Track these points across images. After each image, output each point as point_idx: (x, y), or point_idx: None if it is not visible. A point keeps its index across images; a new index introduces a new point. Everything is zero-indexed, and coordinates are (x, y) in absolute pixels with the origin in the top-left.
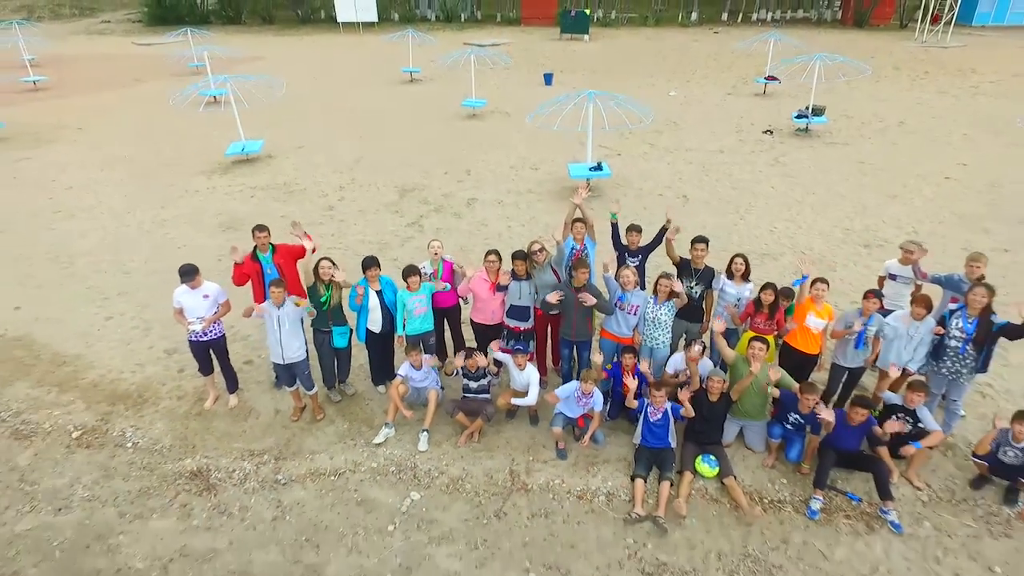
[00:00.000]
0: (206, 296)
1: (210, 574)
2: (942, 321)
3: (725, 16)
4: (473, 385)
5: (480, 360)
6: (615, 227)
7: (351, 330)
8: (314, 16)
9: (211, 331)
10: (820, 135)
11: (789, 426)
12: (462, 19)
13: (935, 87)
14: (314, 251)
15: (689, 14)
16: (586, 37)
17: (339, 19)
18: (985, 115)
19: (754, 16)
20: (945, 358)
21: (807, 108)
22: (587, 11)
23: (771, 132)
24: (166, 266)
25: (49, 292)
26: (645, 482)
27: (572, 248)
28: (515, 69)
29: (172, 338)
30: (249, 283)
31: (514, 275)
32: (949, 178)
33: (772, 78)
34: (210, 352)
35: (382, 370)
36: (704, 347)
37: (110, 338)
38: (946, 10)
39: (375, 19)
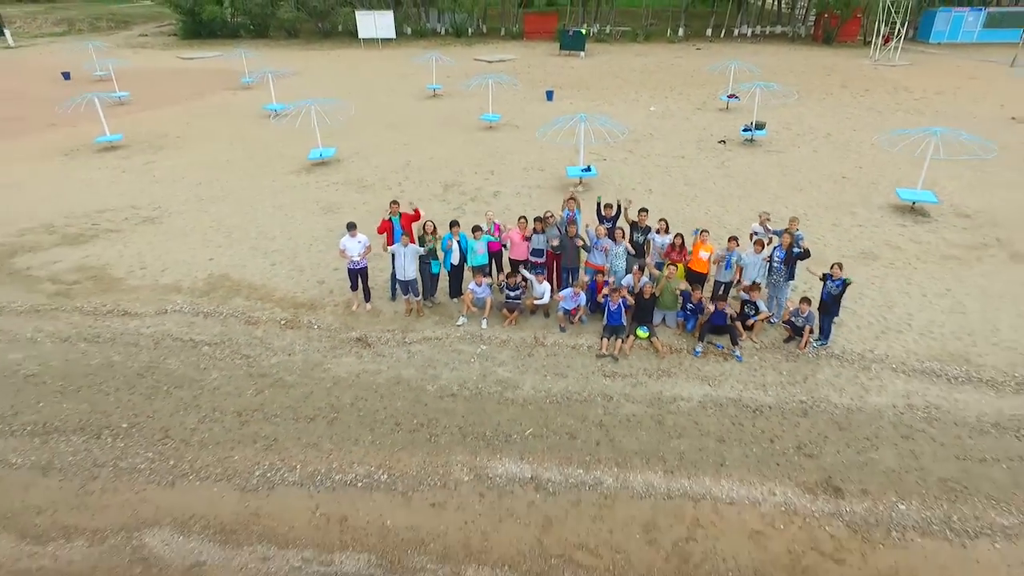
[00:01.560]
0: (360, 241)
1: (379, 379)
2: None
3: (709, 31)
4: (512, 293)
5: (516, 279)
6: (598, 205)
7: (440, 263)
8: (334, 31)
9: (361, 263)
10: (762, 144)
11: (688, 312)
12: (469, 33)
13: (868, 104)
14: (418, 216)
15: (677, 29)
16: (582, 54)
17: (360, 36)
18: (892, 128)
19: (736, 31)
20: (772, 273)
21: (752, 123)
22: (583, 31)
23: (724, 142)
24: (296, 234)
25: (226, 250)
26: (607, 340)
27: (567, 214)
28: (521, 85)
29: (319, 275)
30: (385, 234)
31: (535, 231)
32: (845, 177)
33: (733, 96)
34: (358, 276)
35: (456, 288)
36: (643, 270)
37: (280, 275)
38: (895, 32)
39: (393, 36)
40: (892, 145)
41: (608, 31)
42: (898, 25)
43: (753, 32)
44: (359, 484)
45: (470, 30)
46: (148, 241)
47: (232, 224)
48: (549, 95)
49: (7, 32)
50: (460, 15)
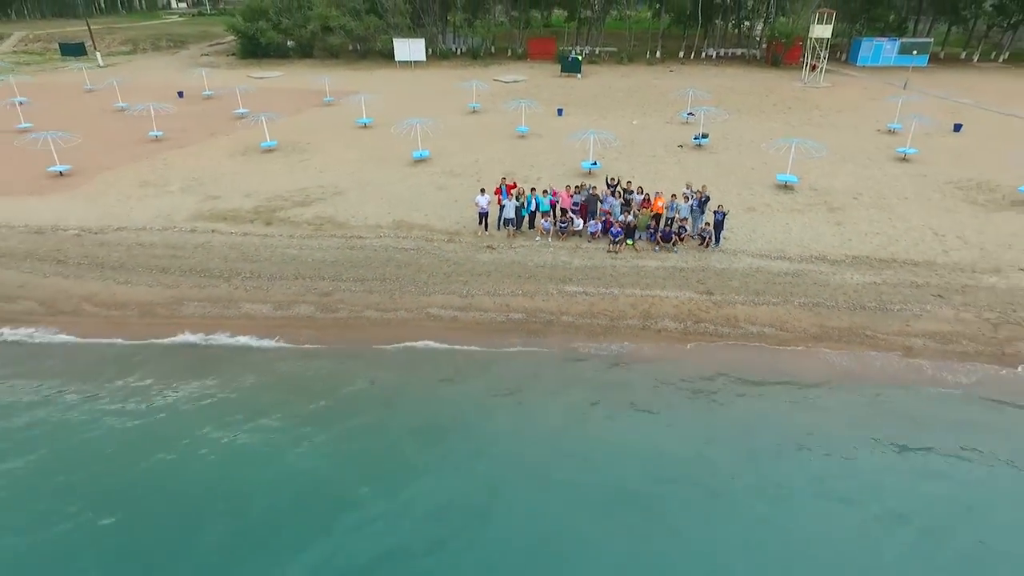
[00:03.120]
0: (483, 195)
1: (503, 261)
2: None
3: (681, 53)
4: (563, 225)
5: (565, 217)
6: (607, 179)
7: (525, 210)
8: (370, 52)
9: (485, 208)
10: (706, 148)
11: (652, 232)
12: (481, 53)
13: (787, 119)
14: (514, 186)
15: (655, 51)
16: (579, 75)
17: (397, 58)
18: (793, 138)
19: (704, 53)
20: (692, 212)
21: (700, 134)
22: (579, 57)
23: (682, 146)
24: (430, 198)
25: (395, 208)
26: (612, 245)
27: (589, 188)
28: (537, 103)
29: (456, 219)
30: (498, 195)
31: (575, 191)
32: (753, 168)
33: (691, 114)
34: (483, 216)
35: (531, 222)
36: (629, 211)
37: (432, 220)
38: (821, 59)
39: (424, 59)
40: (776, 148)
41: (598, 52)
42: (822, 55)
43: (717, 54)
44: (517, 294)
45: (482, 51)
46: (345, 204)
47: (388, 194)
48: (560, 111)
49: (98, 54)
50: (475, 38)
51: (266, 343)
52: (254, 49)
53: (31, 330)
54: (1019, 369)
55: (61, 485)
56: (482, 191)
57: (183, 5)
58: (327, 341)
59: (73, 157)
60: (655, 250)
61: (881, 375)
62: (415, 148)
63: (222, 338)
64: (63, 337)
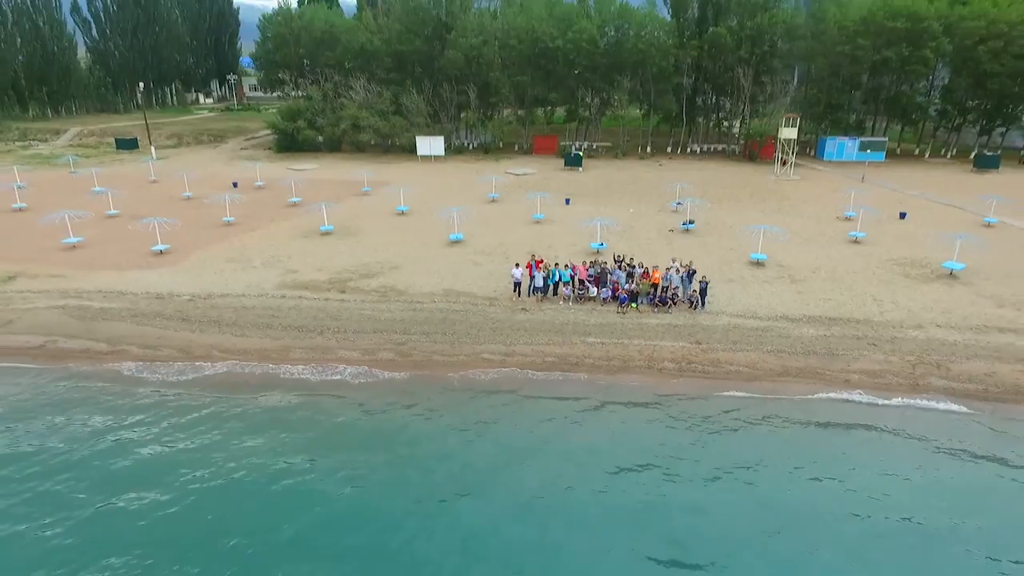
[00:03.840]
0: (517, 268)
1: (534, 320)
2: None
3: (669, 148)
4: (580, 291)
5: (582, 286)
6: (614, 256)
7: (551, 280)
8: (392, 147)
9: (518, 279)
10: (693, 232)
11: (651, 298)
12: (491, 148)
13: (762, 208)
14: (542, 262)
15: (645, 147)
16: (580, 169)
17: (419, 153)
18: (765, 224)
19: (688, 149)
20: (682, 282)
21: (687, 220)
22: (580, 153)
23: (673, 231)
24: (470, 272)
25: (443, 280)
26: (619, 307)
27: (602, 264)
28: (547, 193)
29: (493, 287)
30: (528, 268)
31: (589, 266)
32: (732, 249)
33: (679, 203)
34: (516, 285)
35: (555, 290)
36: (632, 281)
37: (475, 288)
38: (790, 156)
39: (443, 154)
40: (750, 232)
41: (595, 147)
42: (790, 152)
43: (701, 149)
44: (549, 344)
45: (492, 146)
46: (401, 276)
47: (435, 269)
48: (567, 201)
49: (152, 148)
50: (486, 135)
51: (360, 379)
52: (289, 144)
53: (181, 365)
54: (928, 394)
55: (260, 449)
56: (516, 265)
57: (209, 101)
58: (408, 373)
59: (169, 237)
60: (654, 311)
61: (824, 400)
62: (451, 231)
63: (327, 374)
64: (209, 371)
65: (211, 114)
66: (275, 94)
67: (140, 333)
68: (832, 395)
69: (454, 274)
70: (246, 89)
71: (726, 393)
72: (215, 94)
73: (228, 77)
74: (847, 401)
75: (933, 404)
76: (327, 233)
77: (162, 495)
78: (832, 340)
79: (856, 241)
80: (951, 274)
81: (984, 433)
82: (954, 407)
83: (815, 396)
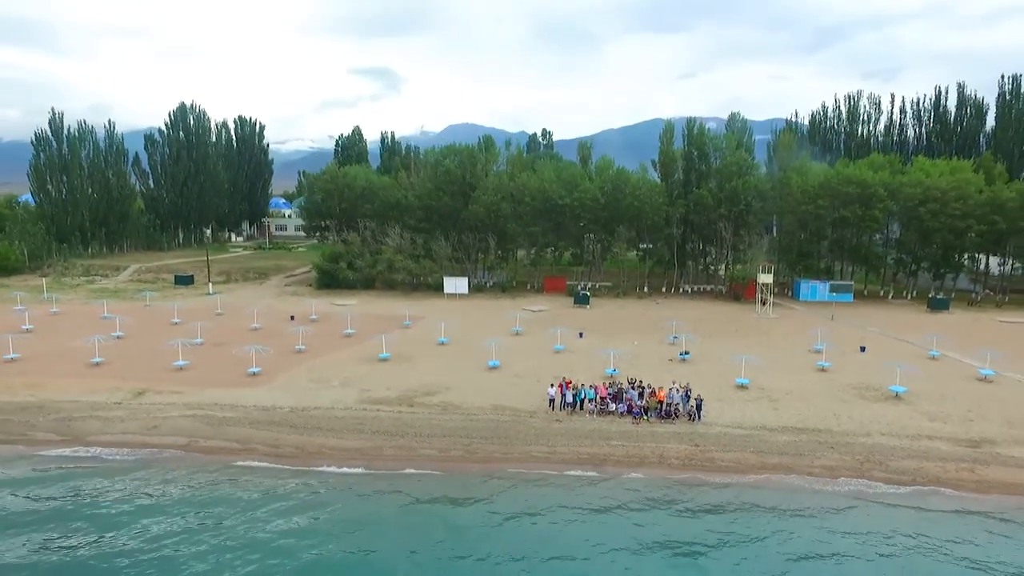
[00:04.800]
0: (552, 388)
1: (568, 428)
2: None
3: (664, 288)
4: (602, 407)
5: (604, 403)
6: (628, 379)
7: (579, 397)
8: (420, 285)
9: (552, 396)
10: (688, 361)
11: (660, 412)
12: (507, 287)
13: (745, 342)
14: (571, 383)
15: (643, 287)
16: (588, 307)
17: (445, 291)
18: (748, 355)
19: (680, 289)
20: (681, 400)
21: (683, 351)
22: (588, 293)
23: (672, 360)
24: (510, 391)
25: (491, 397)
26: (633, 419)
27: (618, 386)
28: (561, 330)
29: (531, 403)
30: (559, 387)
31: (608, 386)
32: (721, 375)
33: (676, 337)
34: (551, 400)
35: (582, 406)
36: (643, 398)
37: (517, 403)
38: (769, 295)
39: (467, 292)
40: (736, 362)
41: (597, 287)
42: (769, 294)
43: (692, 289)
44: (581, 446)
45: (508, 285)
46: (455, 394)
47: (481, 389)
48: (580, 334)
49: (210, 284)
50: (502, 275)
51: (437, 472)
52: (329, 282)
53: (310, 466)
54: (870, 482)
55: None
56: (551, 385)
57: (240, 239)
58: (477, 467)
59: (259, 361)
60: (661, 422)
61: (792, 486)
62: (489, 359)
63: (411, 469)
64: (346, 470)
65: (246, 252)
66: (314, 237)
67: (261, 436)
68: (799, 483)
69: (498, 393)
70: (272, 229)
71: (719, 480)
72: (245, 233)
73: (264, 220)
74: (810, 487)
75: (872, 488)
76: (385, 360)
77: (305, 546)
78: (800, 444)
79: (823, 370)
80: (896, 395)
81: (910, 512)
82: (889, 489)
83: (786, 483)
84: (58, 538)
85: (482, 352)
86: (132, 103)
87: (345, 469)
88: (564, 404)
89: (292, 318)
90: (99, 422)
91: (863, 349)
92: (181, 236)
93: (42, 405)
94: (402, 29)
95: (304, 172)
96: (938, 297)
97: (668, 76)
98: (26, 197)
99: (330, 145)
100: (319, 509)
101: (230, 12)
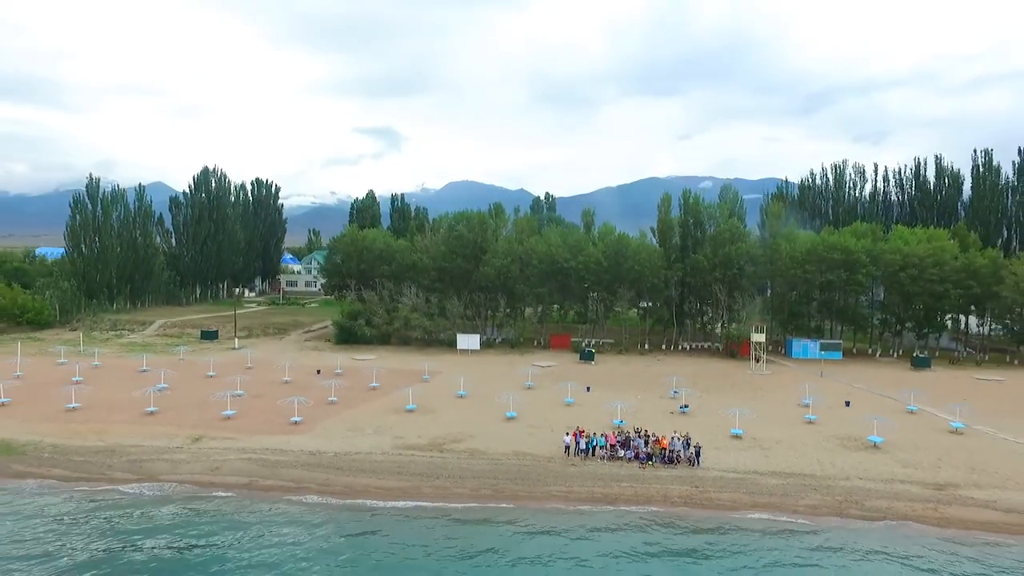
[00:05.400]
0: (567, 436)
1: (584, 471)
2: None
3: (663, 345)
4: (612, 453)
5: (614, 448)
6: (635, 428)
7: (591, 444)
8: (434, 341)
9: (568, 443)
10: (688, 414)
11: (663, 457)
12: (515, 343)
13: (739, 396)
14: (584, 431)
15: (644, 344)
16: (592, 363)
17: (458, 347)
18: (742, 409)
19: (679, 346)
20: (682, 447)
21: (683, 405)
22: (593, 350)
23: (672, 412)
24: (527, 440)
25: (512, 443)
26: (639, 464)
27: (626, 435)
28: (570, 384)
29: (548, 449)
30: (574, 435)
31: (617, 435)
32: (717, 426)
33: (676, 392)
34: (567, 446)
35: (593, 452)
36: (647, 445)
37: (536, 449)
38: (762, 353)
39: (478, 348)
40: (730, 414)
41: (600, 343)
42: (762, 352)
43: (690, 346)
44: (595, 487)
45: (516, 342)
46: (478, 441)
47: (501, 437)
48: (588, 388)
49: (236, 339)
50: (510, 332)
51: (474, 505)
52: (347, 337)
53: (359, 500)
54: (847, 519)
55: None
56: (566, 434)
57: (252, 294)
58: (508, 503)
59: (298, 411)
60: (664, 467)
61: (780, 521)
62: (507, 410)
63: (456, 505)
64: (392, 503)
65: (260, 308)
66: (333, 295)
67: (312, 476)
68: (785, 519)
69: (517, 440)
70: (283, 284)
71: (714, 515)
72: (257, 288)
73: (278, 277)
74: (795, 523)
75: (848, 524)
76: (411, 411)
77: (365, 558)
78: (787, 486)
79: (810, 422)
80: (875, 445)
81: (880, 540)
82: (863, 524)
83: (775, 519)
84: (173, 546)
85: (499, 404)
86: (136, 158)
87: (391, 503)
88: (578, 450)
89: (319, 372)
90: (167, 464)
91: (848, 404)
92: (198, 292)
93: (113, 449)
94: (404, 90)
95: (314, 230)
96: (921, 356)
97: (664, 137)
98: (43, 251)
99: (331, 200)
100: (372, 534)
101: (239, 74)
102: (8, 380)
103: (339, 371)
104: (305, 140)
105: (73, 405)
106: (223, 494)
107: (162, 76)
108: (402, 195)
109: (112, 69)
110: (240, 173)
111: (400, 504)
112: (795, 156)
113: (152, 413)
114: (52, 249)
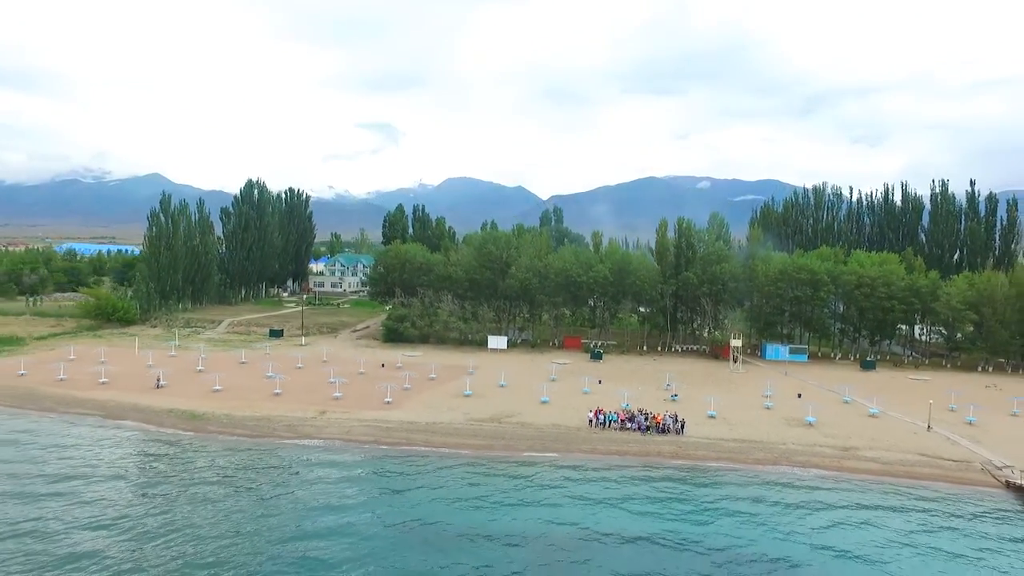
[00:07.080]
0: (590, 412)
1: (604, 436)
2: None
3: (659, 347)
4: (622, 425)
5: (623, 422)
6: (639, 410)
7: (608, 418)
8: (467, 341)
9: (591, 417)
10: (677, 401)
11: (659, 428)
12: (534, 343)
13: (718, 389)
14: (601, 410)
15: (642, 345)
16: (601, 361)
17: (489, 346)
18: (718, 397)
19: (672, 348)
20: (672, 422)
21: (674, 394)
22: (601, 351)
23: (666, 399)
24: (558, 416)
25: (549, 417)
26: (641, 433)
27: (636, 413)
28: (586, 378)
29: (575, 421)
30: (594, 412)
31: (627, 411)
32: (698, 411)
33: (669, 385)
34: (590, 419)
35: (609, 424)
36: (647, 419)
37: (564, 422)
38: (738, 355)
39: (505, 347)
40: (709, 401)
41: (606, 344)
42: (739, 355)
43: (681, 348)
44: (611, 445)
45: (534, 342)
46: (523, 416)
47: (540, 414)
48: (600, 381)
49: (303, 337)
50: (529, 333)
51: (529, 454)
52: (393, 336)
53: (454, 451)
54: (781, 467)
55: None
56: (589, 411)
57: (285, 294)
58: (556, 453)
59: (390, 395)
60: (658, 435)
61: (734, 468)
62: (541, 396)
63: (518, 455)
64: (479, 452)
65: (298, 308)
66: (377, 300)
67: (416, 437)
68: (738, 467)
69: (553, 416)
70: (312, 285)
71: (690, 463)
72: (289, 289)
73: (309, 278)
74: (743, 468)
75: (780, 470)
76: (469, 396)
77: (472, 489)
78: (742, 448)
79: (767, 408)
80: (809, 424)
81: (795, 479)
82: (788, 469)
83: (732, 467)
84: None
85: (534, 391)
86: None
87: (476, 453)
88: (597, 423)
89: (383, 365)
90: (312, 427)
91: (799, 395)
92: (243, 292)
93: (268, 418)
94: (402, 85)
95: (335, 234)
96: (868, 360)
97: (663, 136)
98: (65, 246)
99: (329, 195)
100: (471, 466)
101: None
102: (156, 368)
103: (399, 365)
104: (303, 134)
105: (218, 388)
106: (365, 447)
107: (159, 68)
108: (423, 206)
109: (110, 60)
110: (238, 168)
111: (483, 453)
112: (793, 157)
113: (279, 395)
114: (84, 245)
